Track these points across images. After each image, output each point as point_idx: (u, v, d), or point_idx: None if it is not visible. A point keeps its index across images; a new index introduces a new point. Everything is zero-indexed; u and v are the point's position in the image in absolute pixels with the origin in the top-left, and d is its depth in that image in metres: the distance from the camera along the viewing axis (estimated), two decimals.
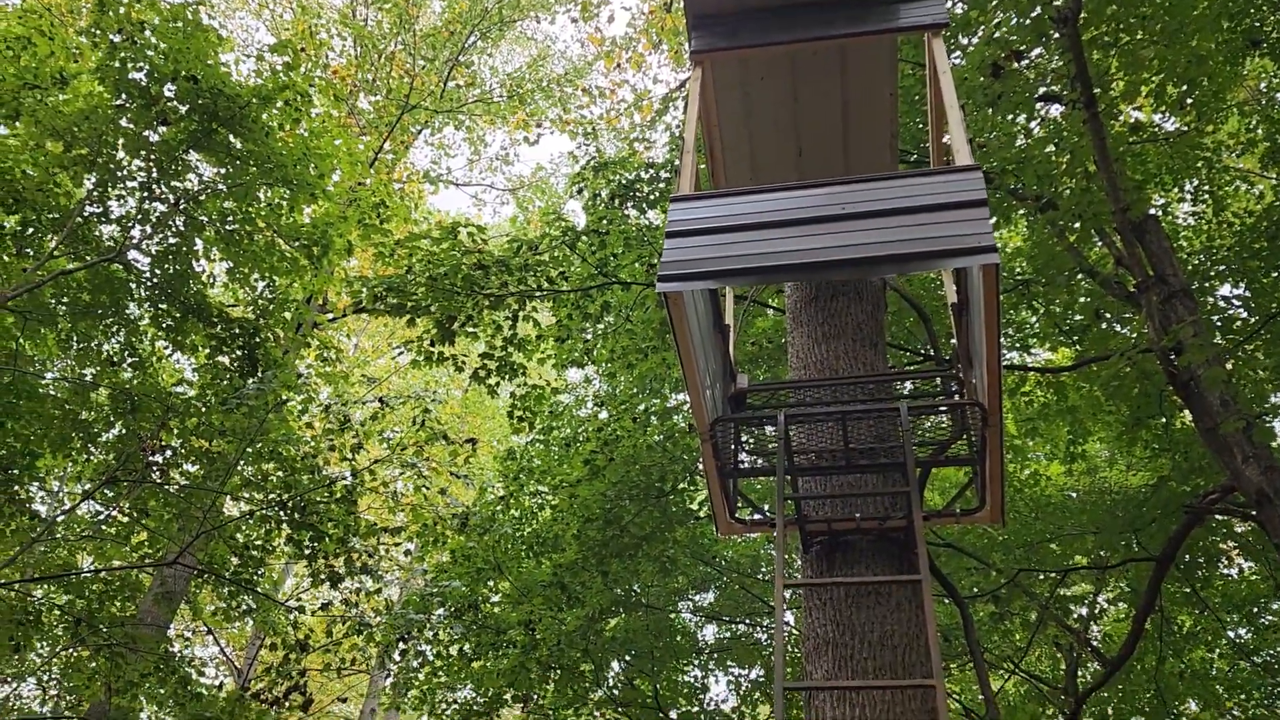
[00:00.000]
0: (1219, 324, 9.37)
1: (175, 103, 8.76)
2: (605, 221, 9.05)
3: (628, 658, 12.44)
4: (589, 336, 10.53)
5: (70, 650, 9.54)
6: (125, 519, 9.39)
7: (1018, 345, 10.49)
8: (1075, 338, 10.55)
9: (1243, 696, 11.44)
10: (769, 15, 5.11)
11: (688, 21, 5.16)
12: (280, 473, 9.02)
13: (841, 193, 3.97)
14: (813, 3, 5.07)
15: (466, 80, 17.38)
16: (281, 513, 8.81)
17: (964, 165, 3.90)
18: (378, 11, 16.19)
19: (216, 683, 10.33)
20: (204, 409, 8.80)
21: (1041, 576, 10.68)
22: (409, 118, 15.94)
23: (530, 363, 9.86)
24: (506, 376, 9.10)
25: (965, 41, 10.09)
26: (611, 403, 10.81)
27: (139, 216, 9.21)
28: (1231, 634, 11.08)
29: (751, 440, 5.09)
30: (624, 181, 10.26)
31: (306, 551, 8.93)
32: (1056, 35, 7.64)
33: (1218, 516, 9.28)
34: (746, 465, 4.90)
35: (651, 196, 10.22)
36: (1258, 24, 9.27)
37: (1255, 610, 10.74)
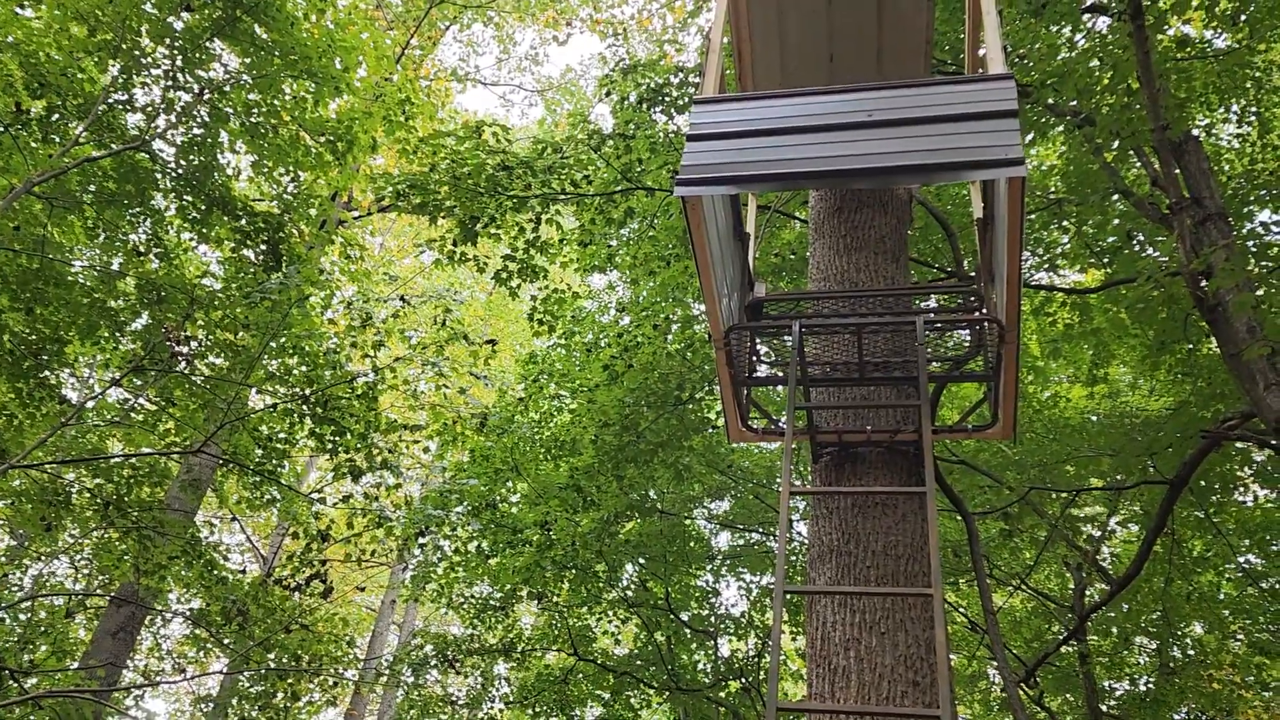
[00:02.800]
0: (1254, 250, 9.17)
1: None
2: (632, 125, 8.91)
3: (641, 561, 12.71)
4: (612, 243, 10.48)
5: (100, 532, 9.85)
6: (152, 407, 9.59)
7: (1046, 266, 10.35)
8: (1106, 259, 10.38)
9: (1248, 621, 11.56)
10: None
11: None
12: (303, 367, 9.14)
13: (868, 99, 3.87)
14: None
15: None
16: (304, 406, 8.96)
17: (996, 74, 3.78)
18: None
19: (242, 568, 10.66)
20: (228, 301, 8.89)
21: (1054, 496, 10.73)
22: (437, 12, 15.62)
23: (553, 266, 9.85)
24: (528, 279, 9.10)
25: None
26: (633, 309, 10.82)
27: (164, 106, 9.16)
28: (1241, 559, 11.14)
29: (767, 349, 5.09)
30: (653, 85, 10.05)
31: (328, 446, 9.09)
32: None
33: (1236, 444, 9.25)
34: (760, 374, 4.91)
35: (680, 101, 10.02)
36: None
37: (1268, 537, 10.77)
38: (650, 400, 9.59)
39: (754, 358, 4.89)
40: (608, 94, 10.44)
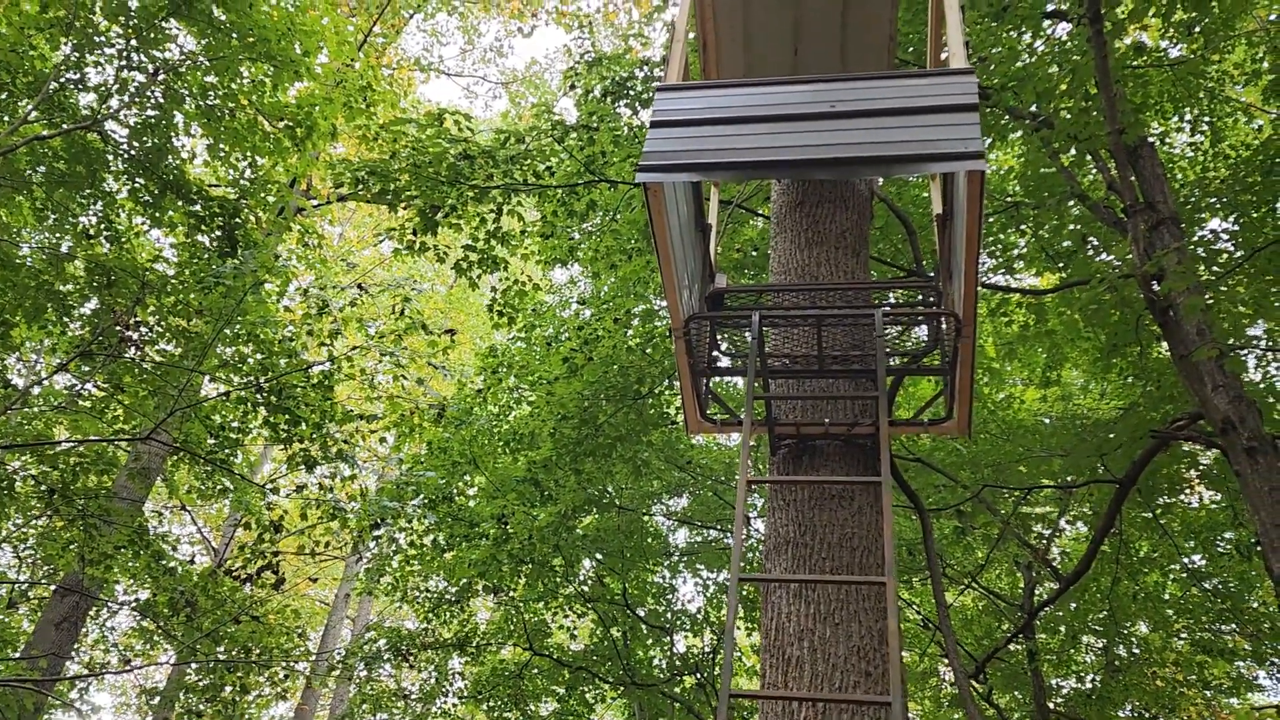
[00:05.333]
0: (1204, 255, 9.35)
1: None
2: (595, 118, 8.87)
3: (598, 556, 12.69)
4: (575, 235, 10.44)
5: (44, 520, 9.63)
6: (100, 393, 9.38)
7: (1004, 268, 10.48)
8: (1062, 263, 10.54)
9: (1191, 621, 11.80)
10: None
11: None
12: (258, 355, 8.99)
13: (831, 90, 3.88)
14: None
15: None
16: (258, 395, 8.81)
17: (958, 69, 3.81)
18: None
19: (190, 560, 10.46)
20: (181, 287, 8.72)
21: (1006, 494, 10.87)
22: (401, 0, 15.46)
23: (514, 258, 9.78)
24: (489, 270, 9.03)
25: None
26: (594, 302, 10.79)
27: (117, 86, 8.96)
28: (1186, 560, 11.37)
29: (726, 341, 5.09)
30: (618, 79, 10.03)
31: (283, 435, 8.96)
32: None
33: (1184, 446, 9.42)
34: (719, 364, 4.91)
35: (645, 95, 10.00)
36: None
37: (1212, 538, 11.00)
38: (609, 394, 9.56)
39: (714, 350, 4.89)
40: (572, 87, 10.40)
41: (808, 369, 4.69)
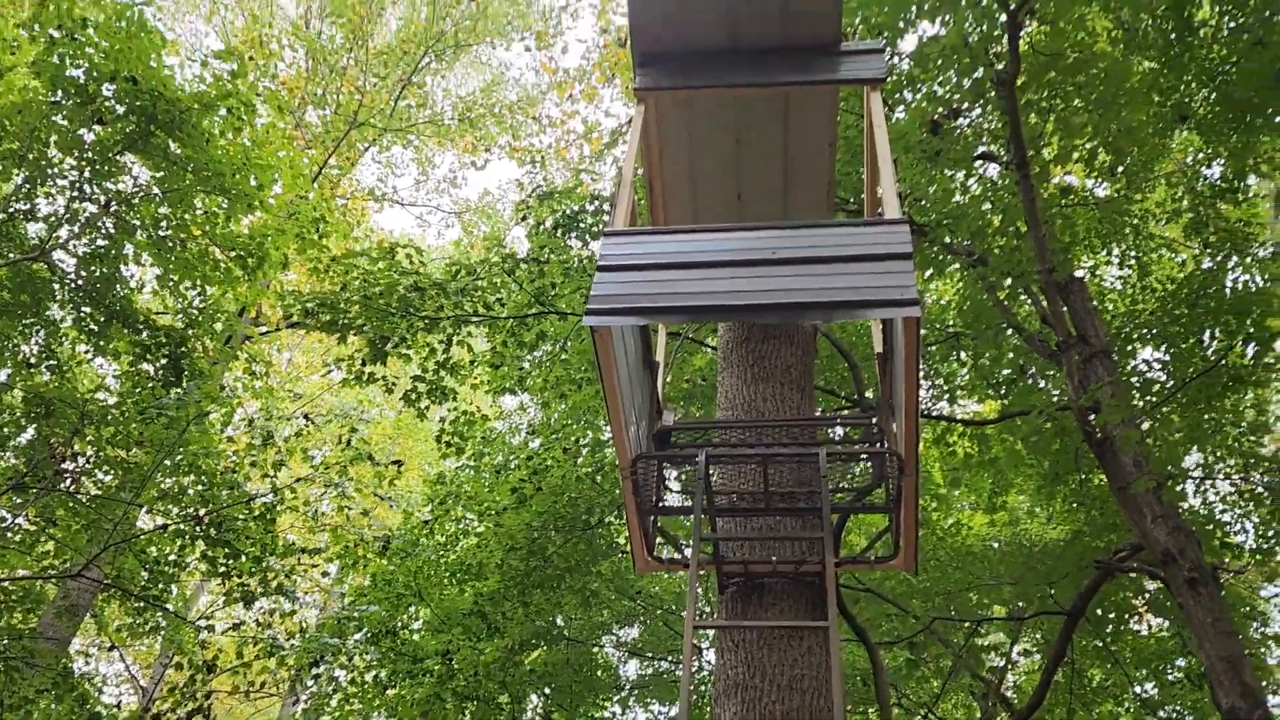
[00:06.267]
0: (1137, 385, 9.64)
1: (113, 103, 8.58)
2: (546, 250, 9.06)
3: (546, 691, 12.30)
4: (525, 364, 10.49)
5: None
6: (31, 527, 9.06)
7: (945, 396, 10.69)
8: (1003, 390, 10.79)
9: None
10: (714, 58, 5.19)
11: (634, 59, 5.22)
12: (199, 487, 8.79)
13: (773, 237, 4.02)
14: (757, 50, 5.16)
15: (418, 100, 17.33)
16: (196, 528, 8.58)
17: (892, 219, 3.98)
18: (332, 25, 16.09)
19: (117, 702, 9.95)
20: (122, 417, 8.56)
21: (958, 624, 10.82)
22: (356, 134, 15.82)
23: (463, 388, 9.78)
24: (438, 400, 9.01)
25: (909, 97, 10.36)
26: (544, 431, 10.76)
27: (67, 216, 8.98)
28: (1138, 689, 11.31)
29: (678, 474, 5.11)
30: (569, 212, 10.29)
31: (221, 569, 8.69)
32: (995, 96, 7.87)
33: (1130, 575, 9.50)
34: (667, 503, 4.90)
35: (595, 228, 10.25)
36: (1186, 99, 9.65)
37: (1162, 667, 10.98)
38: (559, 524, 9.46)
39: (661, 486, 4.89)
40: (524, 219, 10.64)
41: (754, 507, 4.70)
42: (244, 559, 8.63)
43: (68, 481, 8.49)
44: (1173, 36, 9.14)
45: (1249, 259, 10.76)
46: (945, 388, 10.53)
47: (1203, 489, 10.38)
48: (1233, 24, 8.96)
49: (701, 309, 3.83)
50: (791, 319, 3.95)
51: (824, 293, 3.72)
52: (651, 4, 5.06)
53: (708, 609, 10.92)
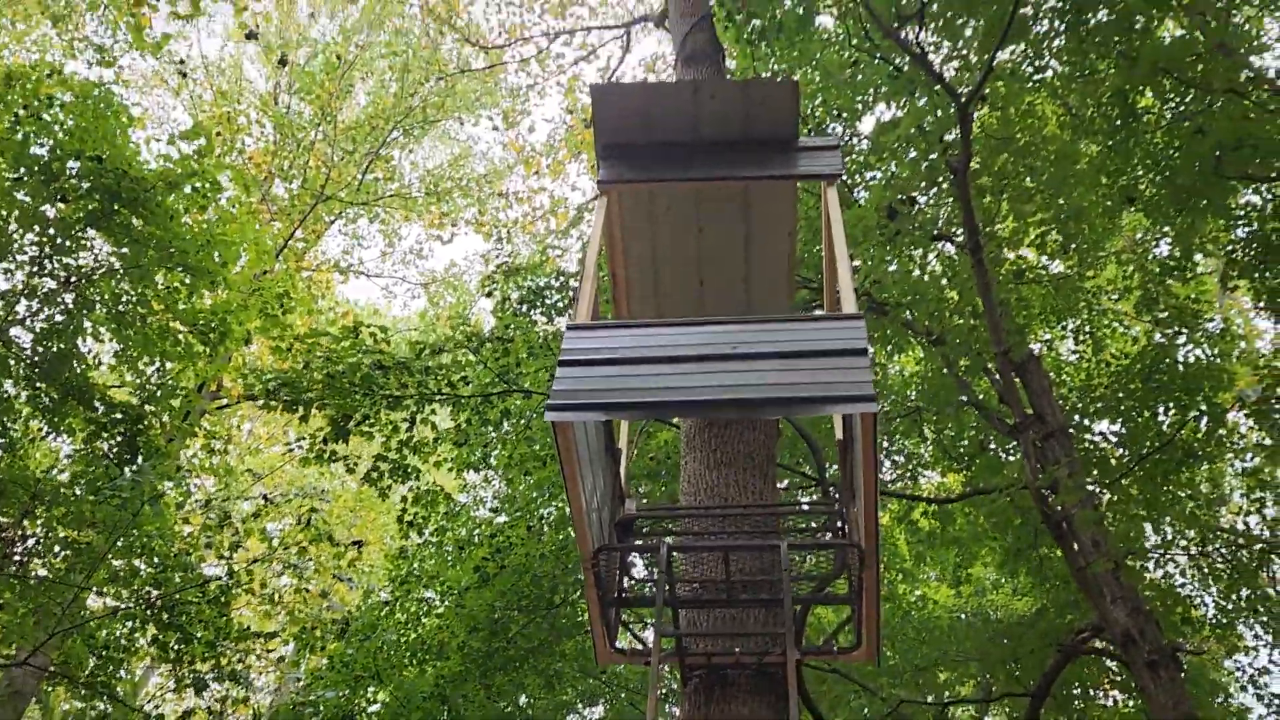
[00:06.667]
0: (1095, 460, 9.78)
1: (77, 180, 8.57)
2: (511, 329, 9.09)
3: None
4: (489, 441, 10.44)
5: None
6: None
7: (909, 473, 10.77)
8: (966, 461, 10.89)
9: None
10: (675, 151, 5.30)
11: (596, 151, 5.32)
12: (151, 568, 8.59)
13: (733, 332, 4.07)
14: (718, 143, 5.29)
15: (385, 174, 17.46)
16: (148, 611, 8.36)
17: (849, 314, 4.06)
18: (300, 100, 16.24)
19: None
20: (75, 496, 8.38)
21: (926, 705, 10.76)
22: (323, 207, 15.88)
23: (426, 465, 9.70)
24: (400, 480, 8.93)
25: (869, 176, 10.61)
26: (508, 507, 10.67)
27: (25, 291, 8.89)
28: None
29: (643, 561, 5.09)
30: (534, 288, 10.36)
31: (172, 654, 8.46)
32: (947, 185, 8.10)
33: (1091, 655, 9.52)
34: (629, 594, 4.87)
35: (560, 304, 10.32)
36: (1133, 181, 9.97)
37: None
38: (522, 604, 9.34)
39: (624, 576, 4.86)
40: (490, 294, 10.69)
41: (717, 598, 4.68)
42: (196, 643, 8.41)
43: (15, 564, 8.27)
44: (1118, 122, 9.47)
45: (1199, 334, 11.03)
46: (908, 465, 10.62)
47: (1163, 561, 10.49)
48: (1170, 113, 9.30)
49: (661, 405, 3.86)
50: (752, 415, 3.99)
51: (783, 389, 3.76)
52: (615, 100, 5.19)
53: (670, 701, 10.77)
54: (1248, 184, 9.39)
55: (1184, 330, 10.93)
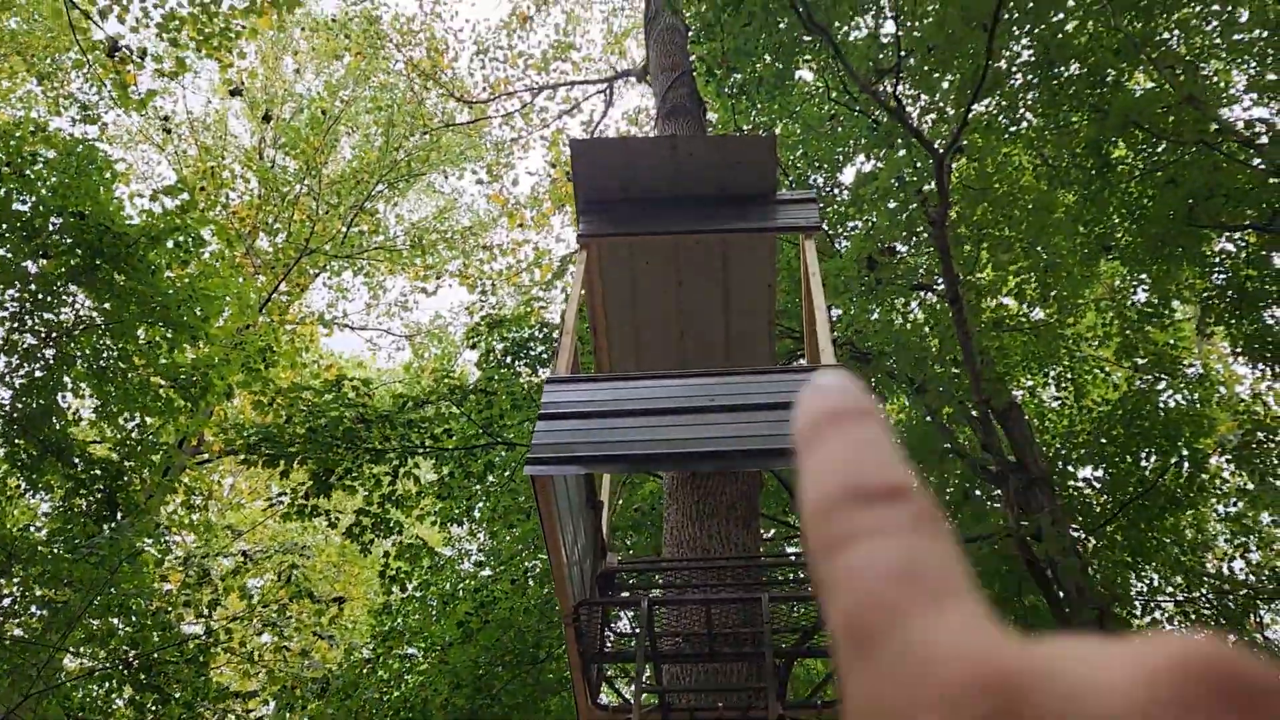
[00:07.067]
0: (1079, 506, 9.80)
1: (59, 236, 8.58)
2: (494, 381, 9.08)
3: None
4: (473, 492, 10.37)
5: None
6: None
7: None
8: (951, 510, 10.87)
9: None
10: (655, 205, 5.36)
11: (577, 206, 5.37)
12: (128, 628, 8.46)
13: (712, 385, 4.09)
14: (697, 197, 5.35)
15: (370, 227, 17.55)
16: (125, 672, 8.21)
17: (827, 365, 4.08)
18: (285, 155, 16.36)
19: None
20: (52, 555, 8.26)
21: None
22: (308, 260, 15.92)
23: (409, 519, 9.62)
24: (383, 535, 8.85)
25: (850, 225, 10.74)
26: (492, 561, 10.58)
27: (5, 347, 8.85)
28: None
29: (623, 618, 5.04)
30: (518, 339, 10.37)
31: (149, 715, 8.29)
32: (926, 235, 8.20)
33: None
34: (611, 649, 4.82)
35: (544, 356, 10.33)
36: (1109, 230, 10.12)
37: None
38: (506, 659, 9.21)
39: (605, 630, 4.82)
40: (474, 345, 10.69)
41: (699, 651, 4.64)
42: (174, 704, 8.25)
43: None
44: (1093, 173, 9.64)
45: (1179, 380, 11.12)
46: None
47: (1150, 608, 10.46)
48: (1143, 163, 9.47)
49: (640, 458, 3.87)
50: (730, 467, 3.99)
51: (761, 440, 3.77)
52: (595, 155, 5.25)
53: None
54: (1221, 232, 9.56)
55: (1164, 376, 11.03)
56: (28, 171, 8.54)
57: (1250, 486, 10.08)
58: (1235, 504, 10.81)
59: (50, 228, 8.60)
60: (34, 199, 8.57)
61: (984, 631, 0.24)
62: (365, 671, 10.26)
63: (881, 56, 8.52)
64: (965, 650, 0.23)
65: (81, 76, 14.26)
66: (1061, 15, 8.43)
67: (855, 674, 0.24)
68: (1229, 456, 9.99)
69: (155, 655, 8.13)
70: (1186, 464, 10.10)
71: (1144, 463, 10.29)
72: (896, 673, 0.23)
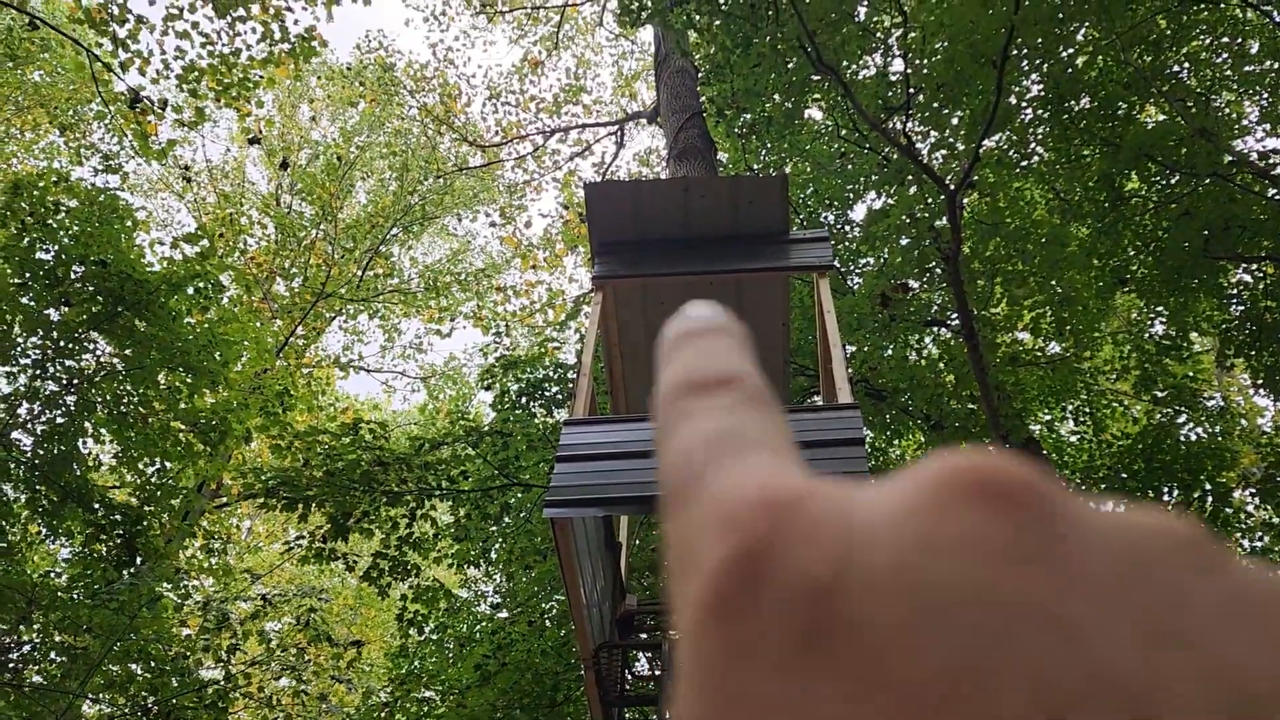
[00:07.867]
0: None
1: (81, 284, 8.70)
2: (510, 422, 9.10)
3: None
4: (490, 534, 10.35)
5: None
6: None
7: None
8: None
9: None
10: (668, 246, 5.40)
11: (592, 249, 5.42)
12: (147, 674, 8.45)
13: None
14: (710, 238, 5.38)
15: (385, 270, 17.71)
16: (144, 718, 8.19)
17: (844, 403, 4.08)
18: (301, 200, 16.57)
19: None
20: (72, 601, 8.28)
21: None
22: (324, 304, 16.07)
23: (426, 561, 9.61)
24: (400, 577, 8.83)
25: (863, 262, 10.76)
26: (509, 602, 10.53)
27: (28, 394, 8.94)
28: None
29: (642, 660, 5.01)
30: (533, 380, 10.40)
31: None
32: (940, 270, 8.21)
33: None
34: (631, 693, 4.78)
35: (559, 396, 10.35)
36: (1124, 263, 10.10)
37: None
38: (524, 702, 9.13)
39: (626, 673, 4.78)
40: (488, 387, 10.73)
41: None
42: None
43: (9, 671, 8.13)
44: (1106, 206, 9.64)
45: (1199, 413, 11.03)
46: None
47: None
48: (1157, 196, 9.47)
49: (659, 499, 3.86)
50: None
51: None
52: (608, 198, 5.30)
53: None
54: (1237, 264, 9.53)
55: (1184, 409, 10.94)
56: (51, 221, 8.68)
57: (1276, 521, 9.94)
58: (1261, 538, 10.67)
59: (73, 275, 8.72)
60: (57, 248, 8.70)
61: (778, 468, 0.26)
62: (383, 715, 10.19)
63: (891, 94, 8.60)
64: (753, 481, 0.24)
65: (103, 127, 14.53)
66: (1071, 51, 8.50)
67: (669, 532, 0.26)
68: (1253, 490, 9.87)
69: (174, 701, 8.11)
70: (1210, 498, 9.99)
71: (1166, 497, 10.19)
72: (691, 514, 0.25)
